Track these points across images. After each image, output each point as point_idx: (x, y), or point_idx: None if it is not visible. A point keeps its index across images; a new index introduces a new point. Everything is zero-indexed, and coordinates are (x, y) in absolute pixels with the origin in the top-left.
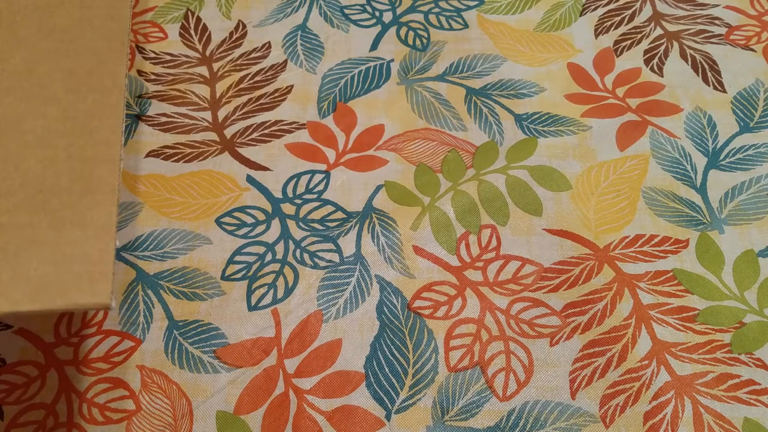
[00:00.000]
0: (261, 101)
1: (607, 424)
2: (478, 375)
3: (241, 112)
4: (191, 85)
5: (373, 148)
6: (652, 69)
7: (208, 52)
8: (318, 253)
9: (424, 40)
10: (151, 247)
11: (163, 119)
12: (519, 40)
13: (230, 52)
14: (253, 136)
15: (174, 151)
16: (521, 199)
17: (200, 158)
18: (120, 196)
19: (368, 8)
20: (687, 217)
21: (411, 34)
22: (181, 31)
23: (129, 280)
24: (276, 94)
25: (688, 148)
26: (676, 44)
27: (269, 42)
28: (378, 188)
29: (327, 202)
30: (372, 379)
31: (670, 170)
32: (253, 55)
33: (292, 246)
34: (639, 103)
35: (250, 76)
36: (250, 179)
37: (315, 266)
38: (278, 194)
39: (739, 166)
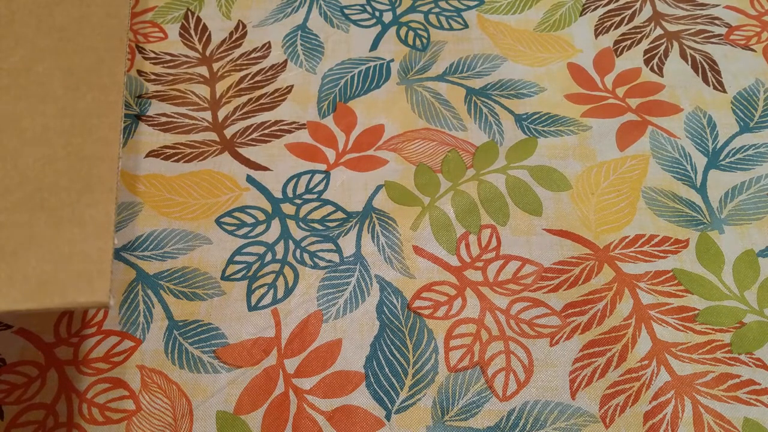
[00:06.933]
0: (261, 101)
1: (607, 424)
2: (478, 375)
3: (241, 112)
4: (191, 85)
5: (373, 148)
6: (652, 69)
7: (208, 52)
8: (318, 253)
9: (424, 40)
10: (151, 247)
11: (163, 119)
12: (519, 40)
13: (230, 52)
14: (253, 136)
15: (174, 151)
16: (521, 199)
17: (200, 158)
18: (119, 194)
19: (368, 8)
20: (687, 217)
21: (411, 34)
22: (181, 31)
23: (129, 279)
24: (276, 94)
25: (688, 148)
26: (676, 44)
27: (269, 42)
28: (378, 188)
29: (327, 202)
30: (372, 379)
31: (670, 170)
32: (253, 55)
33: (292, 246)
34: (639, 103)
35: (250, 76)
36: (250, 179)
37: (315, 266)
38: (278, 194)
39: (739, 166)
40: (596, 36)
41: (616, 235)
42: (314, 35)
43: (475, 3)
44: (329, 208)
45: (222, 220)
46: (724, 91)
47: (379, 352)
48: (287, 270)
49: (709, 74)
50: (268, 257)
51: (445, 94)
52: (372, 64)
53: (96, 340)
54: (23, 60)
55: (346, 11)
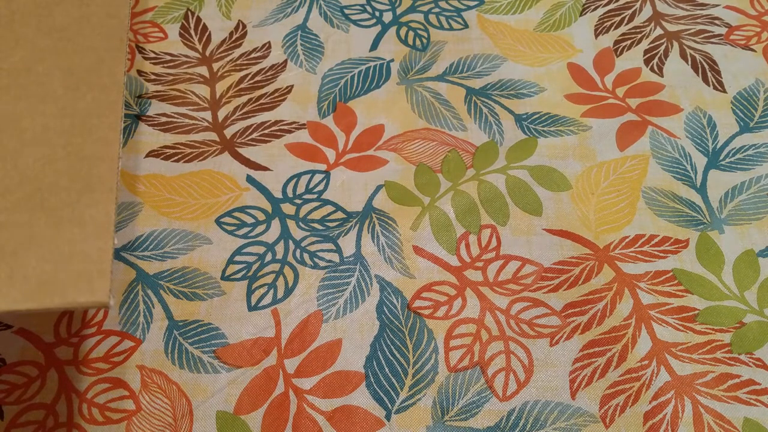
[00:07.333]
0: (261, 101)
1: (607, 424)
2: (478, 375)
3: (241, 112)
4: (191, 85)
5: (373, 148)
6: (652, 69)
7: (208, 52)
8: (318, 253)
9: (424, 40)
10: (151, 247)
11: (163, 119)
12: (519, 40)
13: (230, 52)
14: (253, 136)
15: (174, 151)
16: (521, 199)
17: (200, 158)
18: (119, 194)
19: (368, 8)
20: (687, 217)
21: (411, 34)
22: (181, 31)
23: (129, 280)
24: (276, 94)
25: (688, 148)
26: (676, 44)
27: (269, 42)
28: (378, 188)
29: (327, 202)
30: (372, 379)
31: (670, 170)
32: (253, 55)
33: (292, 246)
34: (639, 103)
35: (250, 76)
36: (250, 179)
37: (315, 266)
38: (278, 194)
39: (739, 166)
40: (596, 36)
41: (616, 235)
42: (314, 35)
43: (475, 3)
44: (329, 208)
45: (222, 220)
46: (724, 91)
47: (379, 352)
48: (287, 270)
49: (709, 74)
50: (268, 257)
51: (445, 94)
52: (372, 64)
53: (96, 340)
54: (23, 60)
55: (346, 11)
